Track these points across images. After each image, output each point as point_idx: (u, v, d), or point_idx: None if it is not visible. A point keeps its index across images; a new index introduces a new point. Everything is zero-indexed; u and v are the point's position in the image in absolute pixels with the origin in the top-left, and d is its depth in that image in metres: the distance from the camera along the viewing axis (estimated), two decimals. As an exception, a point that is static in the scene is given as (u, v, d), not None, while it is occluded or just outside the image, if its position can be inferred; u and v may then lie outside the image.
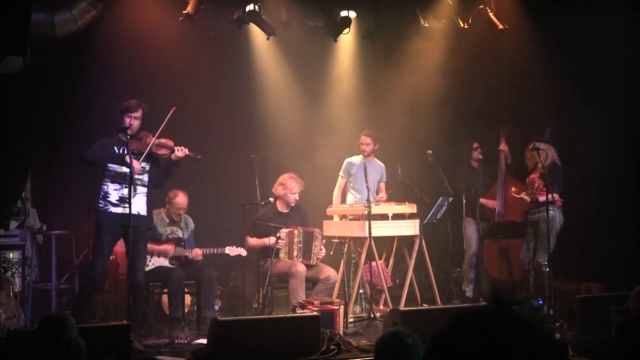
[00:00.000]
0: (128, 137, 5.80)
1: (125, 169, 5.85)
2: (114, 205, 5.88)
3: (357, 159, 7.58)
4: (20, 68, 5.69)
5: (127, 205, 5.81)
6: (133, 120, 5.91)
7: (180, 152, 5.99)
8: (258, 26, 7.83)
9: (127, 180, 5.81)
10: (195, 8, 7.37)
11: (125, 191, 5.85)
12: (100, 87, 7.52)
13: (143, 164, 5.98)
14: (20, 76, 5.86)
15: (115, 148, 5.92)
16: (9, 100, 6.08)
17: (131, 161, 5.77)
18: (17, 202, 6.58)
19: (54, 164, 7.42)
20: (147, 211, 6.08)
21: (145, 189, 6.04)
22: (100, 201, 5.89)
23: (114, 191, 5.90)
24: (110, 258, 6.79)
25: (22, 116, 6.38)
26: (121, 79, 7.51)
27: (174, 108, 5.97)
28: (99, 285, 6.19)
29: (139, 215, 5.91)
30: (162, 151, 6.02)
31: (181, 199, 6.77)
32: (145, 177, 6.04)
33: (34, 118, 6.78)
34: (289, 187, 6.87)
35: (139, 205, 5.94)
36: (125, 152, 5.84)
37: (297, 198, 6.92)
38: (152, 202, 6.21)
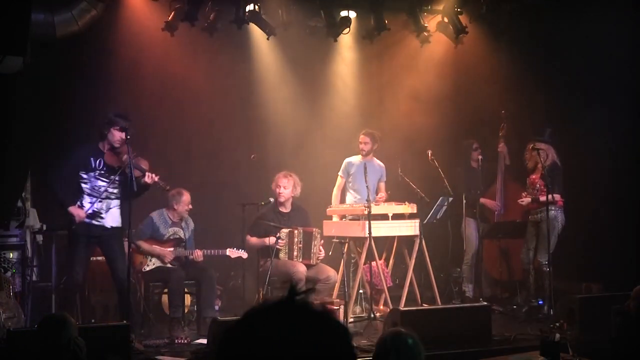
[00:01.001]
0: (129, 152, 5.90)
1: (101, 183, 5.98)
2: (87, 217, 5.98)
3: (356, 159, 7.57)
4: (20, 68, 5.68)
5: (100, 220, 5.98)
6: (124, 135, 5.96)
7: (149, 179, 5.98)
8: (258, 26, 7.83)
9: (102, 194, 5.98)
10: (174, 18, 7.38)
11: (98, 205, 5.98)
12: (100, 87, 7.52)
13: (117, 177, 6.02)
14: (20, 76, 5.86)
15: (92, 160, 5.99)
16: (9, 100, 6.07)
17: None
18: (17, 202, 6.58)
19: (54, 164, 7.41)
20: (122, 222, 6.13)
21: (118, 201, 6.12)
22: None
23: (88, 204, 5.99)
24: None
25: (22, 116, 6.37)
26: (121, 79, 7.51)
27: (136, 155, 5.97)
28: (79, 292, 6.25)
29: (112, 229, 6.06)
30: (135, 173, 6.02)
31: (186, 196, 6.81)
32: (116, 190, 6.09)
33: (34, 118, 6.78)
34: (277, 182, 6.87)
35: (112, 218, 6.06)
36: (104, 166, 5.98)
37: (284, 193, 6.84)
38: (126, 212, 6.21)
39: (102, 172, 6.01)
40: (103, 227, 6.01)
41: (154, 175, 6.00)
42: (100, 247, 6.21)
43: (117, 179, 6.01)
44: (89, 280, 6.80)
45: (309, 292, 1.14)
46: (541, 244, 7.15)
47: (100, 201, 5.98)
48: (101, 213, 5.99)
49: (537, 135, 7.32)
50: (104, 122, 6.04)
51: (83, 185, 5.98)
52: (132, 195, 6.01)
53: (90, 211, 5.96)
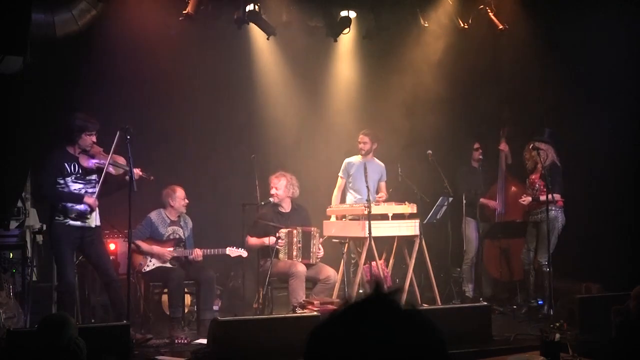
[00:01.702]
0: (99, 163, 5.93)
1: (78, 186, 5.96)
2: (73, 219, 5.96)
3: (356, 159, 7.57)
4: (20, 68, 5.69)
5: (85, 221, 5.96)
6: (94, 138, 5.96)
7: (135, 175, 5.95)
8: (258, 26, 7.83)
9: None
10: (195, 8, 7.37)
11: (82, 207, 5.94)
12: (100, 87, 7.52)
13: (94, 177, 6.02)
14: (20, 76, 5.86)
15: (66, 165, 5.96)
16: (9, 100, 6.07)
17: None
18: (17, 202, 6.58)
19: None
20: (100, 220, 6.17)
21: None
22: (59, 215, 5.94)
23: (72, 208, 5.95)
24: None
25: (22, 116, 6.37)
26: (121, 79, 7.51)
27: (119, 132, 5.82)
28: (75, 292, 6.24)
29: (95, 227, 6.06)
30: (115, 171, 6.03)
31: (181, 192, 6.80)
32: (94, 190, 6.06)
33: (33, 118, 6.78)
34: (270, 183, 6.89)
35: (95, 218, 6.06)
36: (79, 170, 5.97)
37: (277, 194, 6.87)
38: (102, 212, 6.25)
39: (78, 175, 5.98)
40: (88, 228, 5.99)
41: (135, 169, 6.00)
42: (82, 249, 6.12)
43: (94, 179, 6.00)
44: (89, 280, 6.81)
45: (398, 292, 1.13)
46: (541, 244, 7.15)
47: (81, 204, 5.97)
48: (86, 214, 5.97)
49: (537, 135, 7.32)
50: (72, 128, 5.96)
51: (61, 190, 5.94)
52: (110, 193, 6.10)
53: (75, 214, 5.94)
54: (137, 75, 7.56)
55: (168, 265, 6.64)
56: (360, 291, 7.21)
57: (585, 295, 6.75)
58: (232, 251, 6.67)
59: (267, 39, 7.94)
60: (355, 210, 7.06)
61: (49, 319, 3.97)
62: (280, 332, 5.19)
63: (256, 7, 7.65)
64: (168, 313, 6.53)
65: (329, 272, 6.71)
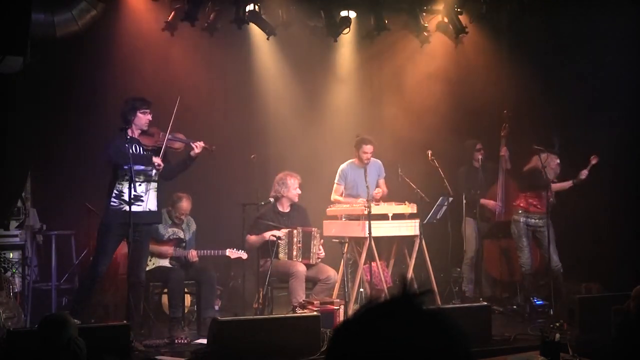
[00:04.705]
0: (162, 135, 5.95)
1: (139, 167, 5.88)
2: (127, 203, 5.84)
3: (350, 164, 7.45)
4: (20, 68, 5.69)
5: (140, 203, 5.89)
6: (149, 116, 6.00)
7: (198, 147, 6.03)
8: (258, 26, 7.84)
9: (140, 178, 5.91)
10: (174, 18, 7.44)
11: (139, 189, 5.91)
12: (100, 87, 7.53)
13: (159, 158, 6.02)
14: (20, 76, 5.86)
15: (127, 147, 5.89)
16: (9, 100, 6.07)
17: (160, 161, 5.87)
18: (17, 202, 6.58)
19: (54, 164, 7.42)
20: (158, 206, 6.13)
21: (155, 184, 6.08)
22: (114, 200, 5.90)
23: (127, 189, 5.87)
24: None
25: (22, 116, 6.38)
26: (121, 79, 7.52)
27: (179, 97, 5.99)
28: (99, 284, 6.22)
29: (150, 212, 5.99)
30: (177, 145, 6.06)
31: (185, 204, 6.78)
32: (154, 172, 6.06)
33: (34, 118, 6.78)
34: (289, 184, 6.86)
35: (151, 201, 6.00)
36: (142, 151, 5.96)
37: (300, 191, 6.91)
38: (163, 198, 6.24)
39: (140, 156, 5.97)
40: (142, 212, 5.87)
41: (197, 142, 6.03)
42: (127, 239, 5.91)
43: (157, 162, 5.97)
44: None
45: (427, 294, 1.12)
46: (554, 247, 7.08)
47: (140, 184, 5.90)
48: (141, 196, 5.90)
49: (549, 147, 7.22)
50: (127, 109, 5.98)
51: (121, 172, 5.89)
52: (172, 174, 6.14)
53: (131, 196, 5.82)
54: (136, 76, 7.56)
55: (168, 265, 6.65)
56: (361, 290, 7.22)
57: (585, 295, 6.75)
58: (232, 253, 6.67)
59: (267, 39, 7.94)
60: (355, 210, 7.05)
61: (49, 318, 3.97)
62: (280, 332, 5.19)
63: (256, 7, 7.66)
64: (168, 313, 6.53)
65: (329, 272, 6.71)
